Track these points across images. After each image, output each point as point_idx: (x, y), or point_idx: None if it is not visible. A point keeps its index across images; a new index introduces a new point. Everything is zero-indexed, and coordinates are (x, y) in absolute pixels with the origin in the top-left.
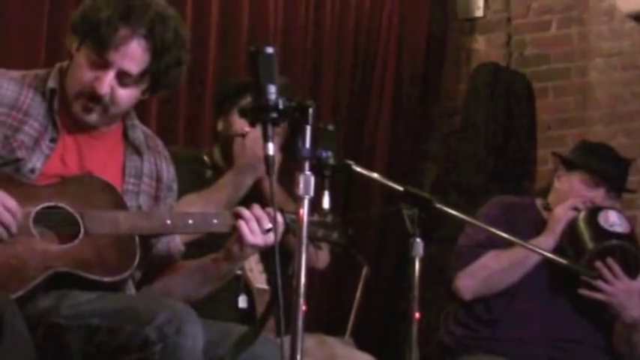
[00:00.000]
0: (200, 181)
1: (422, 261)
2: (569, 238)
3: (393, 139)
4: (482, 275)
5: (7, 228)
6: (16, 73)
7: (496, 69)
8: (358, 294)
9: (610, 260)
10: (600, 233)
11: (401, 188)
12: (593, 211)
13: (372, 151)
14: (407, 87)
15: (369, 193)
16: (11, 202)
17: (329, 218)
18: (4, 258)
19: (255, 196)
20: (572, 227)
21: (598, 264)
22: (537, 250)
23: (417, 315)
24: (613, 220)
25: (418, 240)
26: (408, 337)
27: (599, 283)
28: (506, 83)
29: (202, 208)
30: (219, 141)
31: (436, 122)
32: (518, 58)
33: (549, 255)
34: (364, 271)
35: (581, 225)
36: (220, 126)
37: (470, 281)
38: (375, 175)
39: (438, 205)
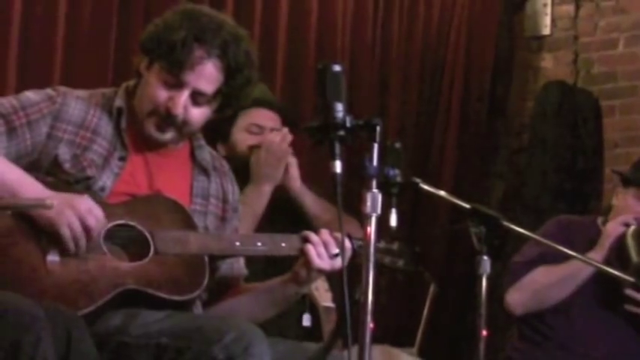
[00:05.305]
0: None
1: (489, 279)
2: (617, 252)
3: (460, 157)
4: (531, 289)
5: (87, 232)
6: (83, 93)
7: (563, 87)
8: (426, 311)
9: None
10: None
11: (468, 206)
12: None
13: (439, 168)
14: (474, 104)
15: (436, 210)
16: (97, 209)
17: (396, 245)
18: (75, 274)
19: (281, 202)
20: (620, 242)
21: None
22: (586, 259)
23: (485, 332)
24: None
25: (485, 258)
26: (475, 354)
27: None
28: (573, 101)
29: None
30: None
31: (503, 140)
32: (585, 76)
33: (598, 264)
34: (432, 288)
35: (629, 240)
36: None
37: (519, 295)
38: (442, 192)
39: (505, 223)
